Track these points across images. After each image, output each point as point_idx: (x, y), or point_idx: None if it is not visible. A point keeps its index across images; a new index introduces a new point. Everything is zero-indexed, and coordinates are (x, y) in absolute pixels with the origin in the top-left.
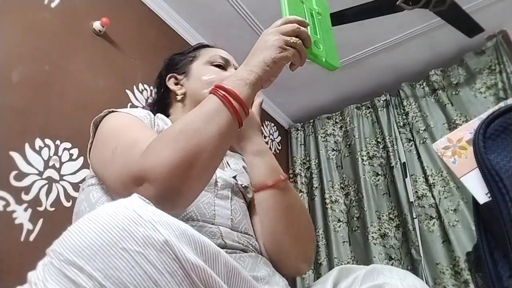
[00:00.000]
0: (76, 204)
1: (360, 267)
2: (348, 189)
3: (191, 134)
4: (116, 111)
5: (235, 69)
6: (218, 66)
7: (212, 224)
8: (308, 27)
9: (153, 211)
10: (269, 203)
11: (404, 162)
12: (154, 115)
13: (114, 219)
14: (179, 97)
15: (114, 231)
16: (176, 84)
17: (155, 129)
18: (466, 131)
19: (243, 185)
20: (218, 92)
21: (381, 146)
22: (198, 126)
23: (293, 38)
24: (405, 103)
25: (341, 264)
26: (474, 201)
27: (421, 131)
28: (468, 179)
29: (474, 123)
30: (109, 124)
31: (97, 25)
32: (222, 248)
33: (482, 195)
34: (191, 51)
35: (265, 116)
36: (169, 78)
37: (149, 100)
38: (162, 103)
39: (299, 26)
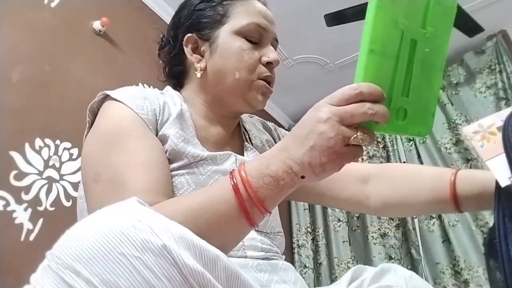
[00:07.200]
0: (79, 200)
1: (373, 268)
2: None
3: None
4: (114, 100)
5: (273, 41)
6: (250, 41)
7: None
8: (393, 83)
9: (152, 215)
10: None
11: (404, 162)
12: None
13: (113, 223)
14: (198, 73)
15: (112, 236)
16: (195, 50)
17: (160, 118)
18: (498, 118)
19: None
20: (238, 192)
21: (381, 146)
22: (200, 228)
23: (359, 134)
24: None
25: (341, 263)
26: (497, 185)
27: None
28: (494, 163)
29: (507, 111)
30: (100, 126)
31: (97, 25)
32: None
33: (505, 179)
34: (222, 1)
35: (265, 116)
36: (188, 41)
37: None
38: (173, 69)
39: (372, 107)
